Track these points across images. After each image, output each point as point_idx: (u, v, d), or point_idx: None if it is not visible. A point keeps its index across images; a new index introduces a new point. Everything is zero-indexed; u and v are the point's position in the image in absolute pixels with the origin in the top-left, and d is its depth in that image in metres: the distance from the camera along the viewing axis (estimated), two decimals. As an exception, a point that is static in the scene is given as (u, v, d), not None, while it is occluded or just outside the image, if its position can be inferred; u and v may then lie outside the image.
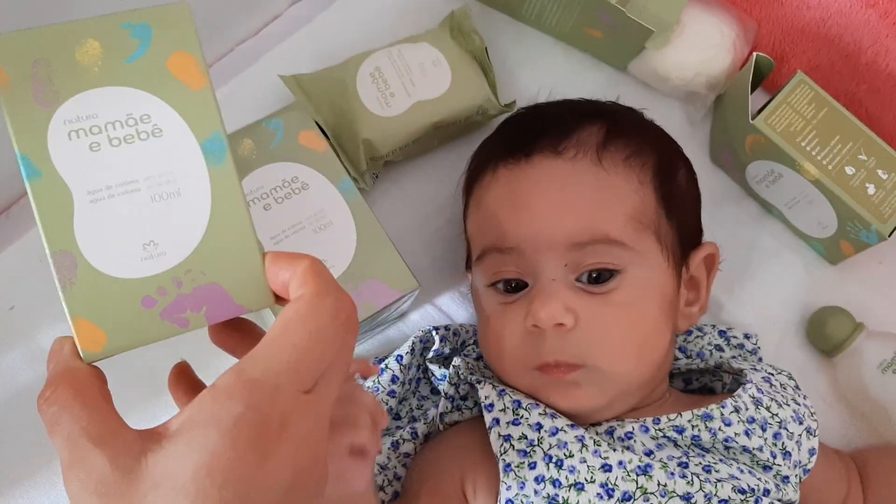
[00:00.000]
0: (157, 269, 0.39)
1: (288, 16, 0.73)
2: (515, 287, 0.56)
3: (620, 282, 0.53)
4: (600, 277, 0.53)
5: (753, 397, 0.54)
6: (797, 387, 0.58)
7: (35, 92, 0.38)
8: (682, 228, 0.58)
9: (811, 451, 0.55)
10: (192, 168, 0.40)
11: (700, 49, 0.69)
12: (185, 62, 0.40)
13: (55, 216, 0.38)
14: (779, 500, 0.52)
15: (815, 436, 0.55)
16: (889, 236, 0.63)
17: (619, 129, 0.58)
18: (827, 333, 0.65)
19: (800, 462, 0.54)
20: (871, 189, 0.64)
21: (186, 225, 0.39)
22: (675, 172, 0.60)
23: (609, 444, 0.52)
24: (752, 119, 0.65)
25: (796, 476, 0.54)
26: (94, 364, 0.37)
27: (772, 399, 0.54)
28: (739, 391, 0.54)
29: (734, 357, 0.63)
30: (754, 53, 0.66)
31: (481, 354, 0.60)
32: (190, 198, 0.39)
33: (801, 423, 0.55)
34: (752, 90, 0.69)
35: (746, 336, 0.64)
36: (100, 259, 0.39)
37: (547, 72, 0.73)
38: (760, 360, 0.64)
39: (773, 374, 0.58)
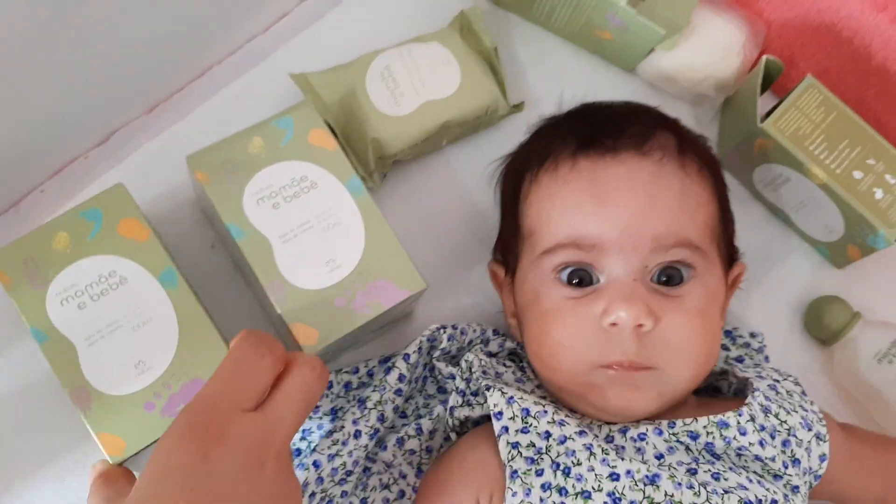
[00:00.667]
0: (148, 380, 0.53)
1: (297, 13, 0.73)
2: (580, 283, 0.54)
3: (692, 287, 0.54)
4: (671, 280, 0.53)
5: (762, 405, 0.54)
6: (803, 392, 0.58)
7: (30, 280, 0.53)
8: (728, 245, 0.59)
9: (822, 458, 0.55)
10: (157, 301, 0.54)
11: (709, 51, 0.69)
12: (130, 224, 0.56)
13: (64, 363, 0.53)
14: None
15: (824, 441, 0.55)
16: None
17: (687, 139, 0.58)
18: (824, 322, 0.66)
19: (810, 469, 0.54)
20: (878, 194, 0.64)
21: (163, 344, 0.54)
22: (725, 188, 0.60)
23: (617, 452, 0.52)
24: (761, 122, 0.65)
25: (806, 483, 0.54)
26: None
27: (780, 406, 0.54)
28: (750, 398, 0.54)
29: (739, 357, 0.63)
30: (764, 56, 0.66)
31: (484, 340, 0.60)
32: (161, 323, 0.54)
33: (810, 430, 0.54)
34: (762, 93, 0.69)
35: (752, 335, 0.64)
36: (105, 384, 0.53)
37: (556, 73, 0.73)
38: (767, 357, 0.64)
39: (778, 381, 0.58)
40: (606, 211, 0.53)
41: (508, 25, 0.74)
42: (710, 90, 0.70)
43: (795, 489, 0.53)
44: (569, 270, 0.54)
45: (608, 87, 0.72)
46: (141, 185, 0.60)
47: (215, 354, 0.55)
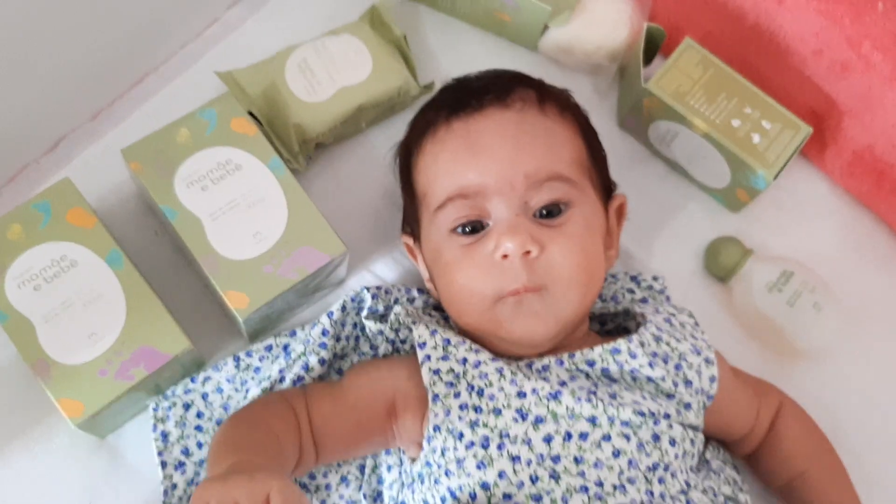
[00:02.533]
0: (101, 349, 0.60)
1: (226, 18, 0.80)
2: (472, 230, 0.61)
3: (571, 216, 0.60)
4: (552, 213, 0.60)
5: (654, 334, 0.60)
6: (696, 324, 0.64)
7: None
8: (603, 179, 0.66)
9: (711, 379, 0.60)
10: (105, 280, 0.61)
11: (599, 24, 0.76)
12: (77, 213, 0.63)
13: (24, 340, 0.59)
14: (680, 424, 0.58)
15: (713, 364, 0.60)
16: (774, 179, 0.70)
17: (546, 89, 0.65)
18: (720, 261, 0.73)
19: (702, 389, 0.60)
20: (756, 138, 0.71)
21: (112, 317, 0.61)
22: (592, 129, 0.67)
23: (525, 374, 0.58)
24: (645, 83, 0.71)
25: (699, 402, 0.60)
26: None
27: (671, 336, 0.60)
28: (641, 329, 0.60)
29: (643, 298, 0.70)
30: (645, 24, 0.73)
31: (410, 298, 0.67)
32: (110, 299, 0.61)
33: (699, 354, 0.60)
34: (652, 58, 0.76)
35: (654, 278, 0.71)
36: (62, 355, 0.59)
37: (465, 55, 0.80)
38: (668, 298, 0.70)
39: (674, 315, 0.64)
40: (481, 160, 0.60)
41: (419, 15, 0.81)
42: (604, 60, 0.77)
43: (688, 406, 0.59)
44: (463, 221, 0.61)
45: (513, 65, 0.77)
46: (89, 183, 0.67)
47: (160, 324, 0.61)
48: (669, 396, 0.59)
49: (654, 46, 0.75)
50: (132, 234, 0.70)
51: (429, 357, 0.59)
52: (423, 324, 0.61)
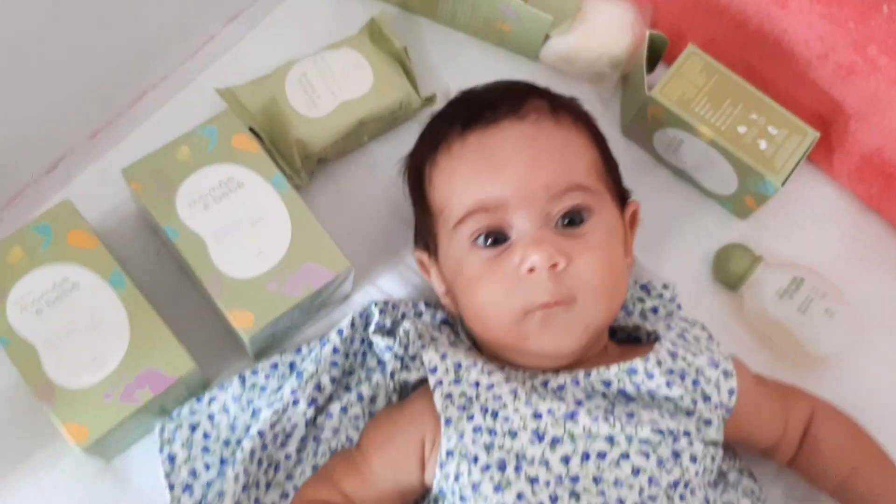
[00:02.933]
0: (105, 373, 0.59)
1: (222, 36, 0.79)
2: (495, 242, 0.60)
3: (593, 225, 0.60)
4: (573, 222, 0.59)
5: (670, 350, 0.59)
6: (710, 336, 0.63)
7: None
8: (617, 186, 0.65)
9: (730, 392, 0.59)
10: (107, 301, 0.60)
11: (601, 32, 0.75)
12: (79, 235, 0.62)
13: (28, 364, 0.58)
14: (700, 441, 0.57)
15: (731, 376, 0.59)
16: (782, 185, 0.69)
17: (557, 100, 0.65)
18: (730, 269, 0.72)
19: (721, 403, 0.59)
20: (762, 144, 0.70)
21: (116, 340, 0.60)
22: (603, 138, 0.67)
23: (540, 394, 0.57)
24: (649, 91, 0.71)
25: (719, 417, 0.59)
26: None
27: (686, 350, 0.59)
28: (657, 345, 0.59)
29: (654, 308, 0.69)
30: (647, 31, 0.72)
31: (417, 312, 0.66)
32: (113, 321, 0.60)
33: (717, 367, 0.59)
34: (655, 66, 0.75)
35: (665, 286, 0.70)
36: (66, 380, 0.58)
37: (465, 66, 0.79)
38: (679, 305, 0.69)
39: (687, 330, 0.63)
40: (500, 173, 0.59)
41: (418, 27, 0.80)
42: (606, 68, 0.76)
43: (708, 422, 0.58)
44: (484, 235, 0.60)
45: (515, 74, 0.77)
46: (89, 204, 0.66)
47: (164, 346, 0.60)
48: (689, 413, 0.58)
49: (657, 54, 0.75)
50: (134, 254, 0.69)
51: (441, 382, 0.58)
52: (432, 347, 0.60)
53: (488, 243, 0.60)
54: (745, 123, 0.70)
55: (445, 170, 0.63)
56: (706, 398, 0.58)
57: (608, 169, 0.64)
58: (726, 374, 0.60)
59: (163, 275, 0.70)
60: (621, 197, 0.66)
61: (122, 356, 0.59)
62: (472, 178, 0.61)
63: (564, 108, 0.63)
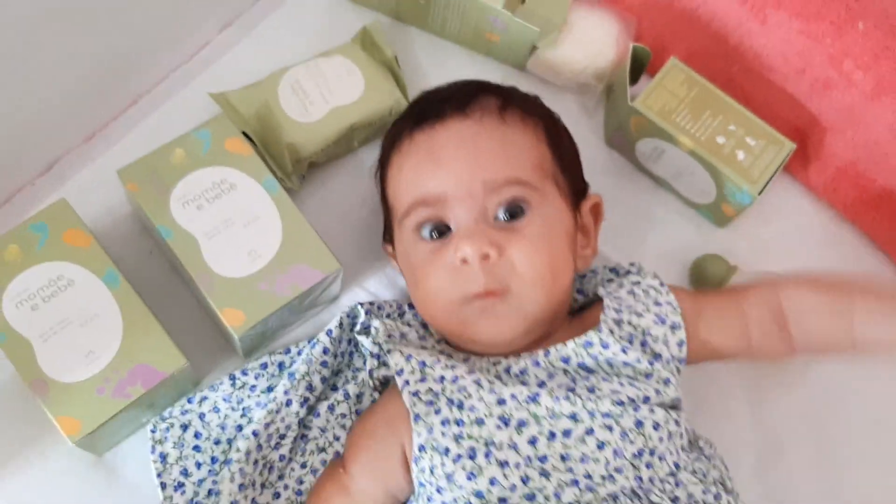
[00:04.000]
0: (98, 367, 0.60)
1: (217, 42, 0.81)
2: (439, 235, 0.62)
3: (532, 218, 0.61)
4: (514, 215, 0.61)
5: (615, 318, 0.61)
6: (661, 283, 0.64)
7: None
8: (572, 180, 0.67)
9: (680, 344, 0.61)
10: (102, 298, 0.62)
11: (586, 45, 0.77)
12: (74, 233, 0.63)
13: (23, 359, 0.60)
14: (661, 405, 0.59)
15: (679, 328, 0.61)
16: (759, 194, 0.71)
17: (511, 97, 0.67)
18: (707, 277, 0.74)
19: (672, 356, 0.61)
20: (740, 155, 0.72)
21: (110, 336, 0.61)
22: (560, 132, 0.69)
23: (503, 380, 0.59)
24: (632, 102, 0.73)
25: (673, 371, 0.60)
26: None
27: (632, 312, 0.61)
28: (603, 315, 0.61)
29: (621, 284, 0.69)
30: (631, 44, 0.75)
31: (401, 313, 0.68)
32: (107, 317, 0.61)
33: (664, 323, 0.61)
34: (638, 78, 0.78)
35: (631, 264, 0.70)
36: (60, 374, 0.60)
37: (454, 75, 0.79)
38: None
39: (638, 283, 0.64)
40: (441, 168, 0.62)
41: (409, 37, 0.82)
42: (591, 79, 0.78)
43: (667, 381, 0.59)
44: (428, 227, 0.63)
45: (502, 83, 0.80)
46: (84, 205, 0.67)
47: (157, 342, 0.62)
48: (648, 376, 0.60)
49: (640, 66, 0.77)
50: (127, 253, 0.70)
51: (407, 382, 0.60)
52: (398, 350, 0.62)
53: (433, 236, 0.62)
54: (724, 134, 0.73)
55: (395, 166, 0.66)
56: (657, 356, 0.60)
57: (561, 165, 0.66)
58: (674, 327, 0.61)
59: (155, 274, 0.71)
60: (579, 191, 0.67)
61: (115, 352, 0.61)
62: (416, 173, 0.63)
63: (515, 105, 0.65)
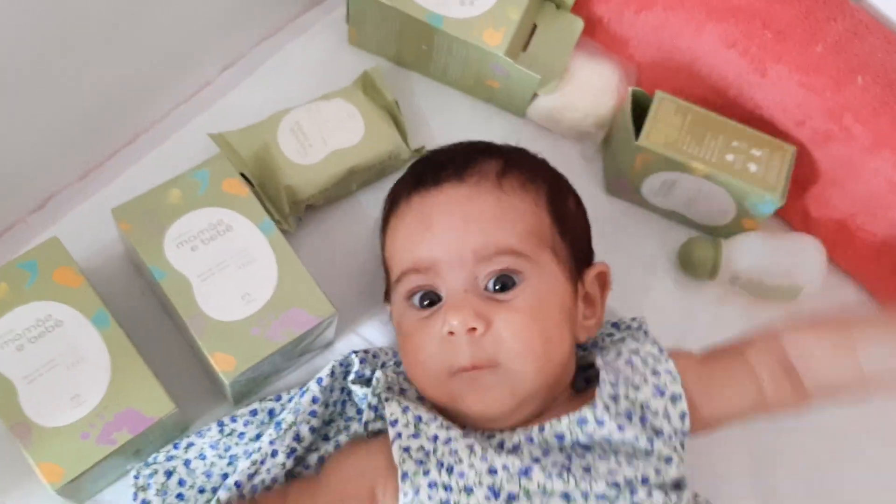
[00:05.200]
0: (84, 412, 0.58)
1: (218, 82, 0.81)
2: (430, 304, 0.61)
3: (524, 289, 0.59)
4: (504, 287, 0.59)
5: (610, 394, 0.58)
6: (661, 350, 0.61)
7: None
8: (575, 248, 0.65)
9: (682, 416, 0.58)
10: (90, 340, 0.60)
11: (586, 93, 0.77)
12: (64, 272, 0.62)
13: (4, 401, 0.58)
14: (660, 488, 0.55)
15: (680, 399, 0.58)
16: (782, 200, 0.72)
17: (514, 161, 0.66)
18: (694, 262, 0.75)
19: (676, 430, 0.58)
20: (752, 167, 0.73)
21: (97, 379, 0.59)
22: (565, 198, 0.67)
23: (495, 450, 0.57)
24: (637, 141, 0.73)
25: (677, 447, 0.57)
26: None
27: (629, 386, 0.59)
28: (598, 390, 0.58)
29: (622, 338, 0.67)
30: (630, 88, 0.75)
31: (397, 362, 0.66)
32: (95, 360, 0.60)
33: (663, 395, 0.58)
34: (642, 123, 0.77)
35: (633, 319, 0.69)
36: (43, 418, 0.58)
37: (454, 121, 0.81)
38: (646, 333, 0.66)
39: (636, 352, 0.61)
40: (432, 235, 0.61)
41: (410, 82, 0.82)
42: (591, 127, 0.78)
43: (668, 460, 0.57)
44: (419, 295, 0.61)
45: (501, 131, 0.80)
46: (76, 242, 0.66)
47: (145, 386, 0.60)
48: (648, 454, 0.57)
49: (642, 111, 0.76)
50: (118, 294, 0.68)
51: (399, 435, 0.58)
52: (395, 401, 0.60)
53: (424, 304, 0.61)
54: (731, 151, 0.73)
55: (391, 229, 0.65)
56: (658, 433, 0.58)
57: (562, 233, 0.64)
58: (674, 398, 0.59)
59: (146, 315, 0.70)
60: (582, 259, 0.66)
61: (102, 395, 0.59)
62: (409, 239, 0.63)
63: (517, 170, 0.64)
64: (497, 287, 0.60)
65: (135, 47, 0.72)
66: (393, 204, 0.66)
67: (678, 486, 0.57)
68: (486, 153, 0.66)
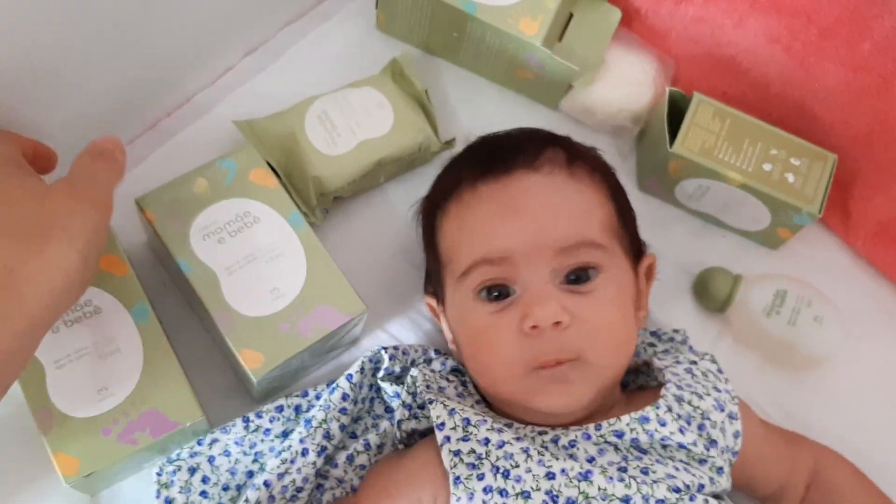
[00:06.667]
0: (109, 406, 0.56)
1: (241, 67, 0.78)
2: (499, 296, 0.58)
3: (601, 282, 0.58)
4: (580, 279, 0.58)
5: (675, 395, 0.58)
6: (719, 370, 0.61)
7: None
8: (633, 240, 0.64)
9: (735, 435, 0.58)
10: (126, 332, 0.58)
11: (623, 86, 0.75)
12: (111, 260, 0.60)
13: (32, 384, 0.56)
14: (714, 495, 0.55)
15: (737, 419, 0.58)
16: (820, 213, 0.70)
17: (576, 151, 0.64)
18: (711, 294, 0.72)
19: (727, 447, 0.58)
20: (790, 178, 0.70)
21: (127, 373, 0.57)
22: (621, 189, 0.65)
23: (553, 453, 0.55)
24: (671, 147, 0.70)
25: (727, 461, 0.58)
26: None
27: (692, 392, 0.58)
28: (664, 390, 0.58)
29: (665, 351, 0.67)
30: (667, 88, 0.72)
31: (427, 359, 0.64)
32: (128, 353, 0.58)
33: (722, 410, 0.58)
34: (679, 125, 0.74)
35: (675, 331, 0.68)
36: (67, 406, 0.56)
37: (485, 112, 0.79)
38: (691, 348, 0.67)
39: (695, 363, 0.61)
40: (508, 225, 0.58)
41: (439, 70, 0.80)
42: (627, 121, 0.76)
43: (720, 470, 0.56)
44: (488, 288, 0.59)
45: (534, 123, 0.76)
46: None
47: (175, 389, 0.58)
48: (702, 462, 0.56)
49: (678, 110, 0.74)
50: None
51: (448, 438, 0.56)
52: (440, 402, 0.58)
53: (493, 297, 0.59)
54: (769, 160, 0.71)
55: (455, 218, 0.62)
56: (713, 443, 0.57)
57: (623, 223, 0.63)
58: (731, 416, 0.59)
59: (167, 307, 0.67)
60: (636, 251, 0.65)
61: (130, 391, 0.57)
62: (481, 229, 0.60)
63: (582, 161, 0.62)
64: (574, 279, 0.58)
65: (155, 31, 0.69)
66: (451, 190, 0.63)
67: (725, 496, 0.57)
68: (549, 141, 0.63)
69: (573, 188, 0.60)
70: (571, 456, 0.55)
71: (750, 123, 0.72)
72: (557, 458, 0.54)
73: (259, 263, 0.61)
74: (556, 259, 0.57)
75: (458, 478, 0.54)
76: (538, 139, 0.64)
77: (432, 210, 0.65)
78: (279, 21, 0.80)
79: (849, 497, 0.62)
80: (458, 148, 0.75)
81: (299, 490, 0.59)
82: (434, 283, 0.65)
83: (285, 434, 0.63)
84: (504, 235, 0.58)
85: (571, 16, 0.75)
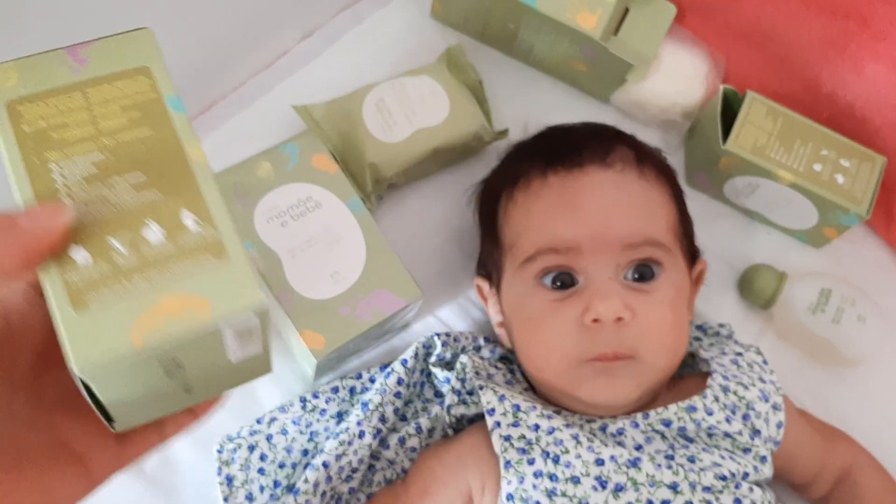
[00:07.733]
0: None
1: (297, 51, 0.79)
2: (561, 286, 0.60)
3: (662, 282, 0.59)
4: (643, 277, 0.59)
5: (721, 385, 0.59)
6: (765, 361, 0.62)
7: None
8: (689, 244, 0.65)
9: (778, 425, 0.59)
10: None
11: (676, 81, 0.76)
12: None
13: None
14: (758, 484, 0.57)
15: (781, 410, 0.59)
16: (868, 214, 0.70)
17: (644, 151, 0.65)
18: (757, 291, 0.73)
19: (770, 437, 0.59)
20: (840, 179, 0.71)
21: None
22: (682, 192, 0.67)
23: (602, 440, 0.57)
24: (724, 143, 0.71)
25: (769, 451, 0.59)
26: None
27: (738, 383, 0.59)
28: (710, 380, 0.59)
29: (711, 344, 0.68)
30: (721, 86, 0.73)
31: (476, 346, 0.66)
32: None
33: (767, 401, 0.59)
34: (732, 123, 0.75)
35: (721, 325, 0.70)
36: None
37: (537, 102, 0.79)
38: (736, 341, 0.68)
39: (741, 354, 0.62)
40: (578, 217, 0.59)
41: (492, 60, 0.80)
42: (678, 117, 0.77)
43: (763, 459, 0.57)
44: (552, 275, 0.60)
45: (584, 115, 0.77)
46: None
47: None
48: (746, 451, 0.57)
49: (731, 108, 0.75)
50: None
51: (498, 424, 0.57)
52: (490, 389, 0.59)
53: (556, 285, 0.60)
54: (819, 160, 0.72)
55: (522, 205, 0.63)
56: (756, 432, 0.58)
57: (683, 226, 0.64)
58: (776, 407, 0.60)
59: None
60: (692, 254, 0.66)
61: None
62: (549, 217, 0.61)
63: (650, 161, 0.63)
64: (636, 276, 0.59)
65: (210, 13, 0.70)
66: (519, 178, 0.64)
67: (767, 484, 0.58)
68: (619, 139, 0.64)
69: (642, 187, 0.61)
70: (620, 443, 0.57)
71: (801, 123, 0.73)
72: (606, 445, 0.56)
73: (320, 247, 0.63)
74: (622, 255, 0.58)
75: (508, 462, 0.55)
76: (609, 135, 0.65)
77: (496, 195, 0.66)
78: (335, 6, 0.81)
79: (870, 501, 0.64)
80: (512, 138, 0.76)
81: (354, 470, 0.61)
82: (489, 265, 0.66)
83: (340, 415, 0.65)
84: (572, 227, 0.59)
85: (627, 10, 0.76)
